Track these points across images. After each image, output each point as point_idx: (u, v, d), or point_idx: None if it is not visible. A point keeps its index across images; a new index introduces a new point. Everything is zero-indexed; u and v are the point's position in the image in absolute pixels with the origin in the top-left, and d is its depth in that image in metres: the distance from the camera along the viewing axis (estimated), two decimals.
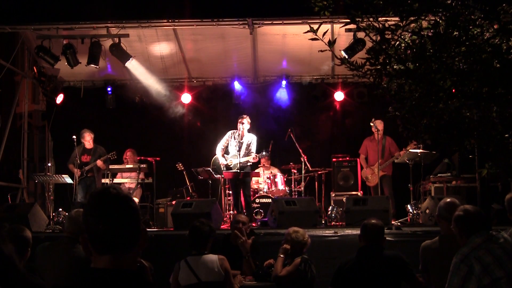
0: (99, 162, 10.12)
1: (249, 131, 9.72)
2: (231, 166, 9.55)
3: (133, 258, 1.93)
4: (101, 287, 1.86)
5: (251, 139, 9.63)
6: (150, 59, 11.37)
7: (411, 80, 4.50)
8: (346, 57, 8.76)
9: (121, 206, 1.92)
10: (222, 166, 9.67)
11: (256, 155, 9.47)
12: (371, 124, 10.08)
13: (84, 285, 1.89)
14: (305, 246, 5.47)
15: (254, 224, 8.81)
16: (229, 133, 9.82)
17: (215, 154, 9.87)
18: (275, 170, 10.94)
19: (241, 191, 9.40)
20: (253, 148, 9.59)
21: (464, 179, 9.39)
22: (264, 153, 9.57)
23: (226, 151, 9.82)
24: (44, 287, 3.80)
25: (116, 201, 1.92)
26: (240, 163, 9.35)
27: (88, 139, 10.40)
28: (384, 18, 4.54)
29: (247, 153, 9.52)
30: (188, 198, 10.35)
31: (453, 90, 4.46)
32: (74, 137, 10.05)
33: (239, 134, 9.67)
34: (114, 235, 1.88)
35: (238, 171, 9.28)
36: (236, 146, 9.52)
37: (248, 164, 9.62)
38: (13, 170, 12.05)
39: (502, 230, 3.85)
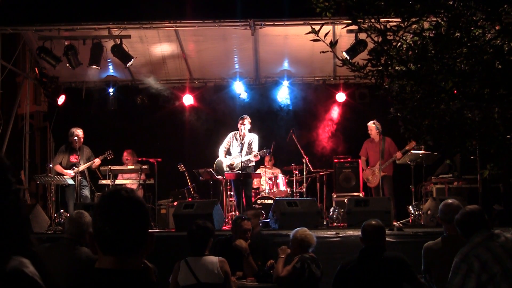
0: (98, 162, 9.86)
1: (250, 131, 9.74)
2: (234, 166, 9.55)
3: (138, 260, 1.93)
4: (106, 287, 1.87)
5: (252, 139, 9.67)
6: (152, 60, 11.37)
7: (412, 81, 4.50)
8: (348, 58, 8.75)
9: (131, 209, 1.91)
10: (225, 167, 9.67)
11: (257, 153, 9.50)
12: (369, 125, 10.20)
13: (89, 285, 1.90)
14: (309, 245, 5.41)
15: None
16: (230, 135, 9.84)
17: (217, 157, 9.87)
18: (277, 171, 10.95)
19: (243, 192, 9.40)
20: (255, 147, 9.63)
21: (465, 180, 9.38)
22: (265, 150, 9.55)
23: (228, 153, 9.83)
24: None
25: (127, 204, 1.91)
26: (242, 162, 9.36)
27: (79, 138, 9.78)
28: (386, 19, 4.56)
29: (249, 153, 9.55)
30: (190, 199, 10.34)
31: (455, 91, 4.46)
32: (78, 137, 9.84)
33: (240, 135, 9.68)
34: (120, 237, 1.88)
35: (240, 172, 9.29)
36: (238, 147, 9.54)
37: (250, 164, 9.64)
38: (14, 171, 12.05)
39: (504, 231, 3.84)
